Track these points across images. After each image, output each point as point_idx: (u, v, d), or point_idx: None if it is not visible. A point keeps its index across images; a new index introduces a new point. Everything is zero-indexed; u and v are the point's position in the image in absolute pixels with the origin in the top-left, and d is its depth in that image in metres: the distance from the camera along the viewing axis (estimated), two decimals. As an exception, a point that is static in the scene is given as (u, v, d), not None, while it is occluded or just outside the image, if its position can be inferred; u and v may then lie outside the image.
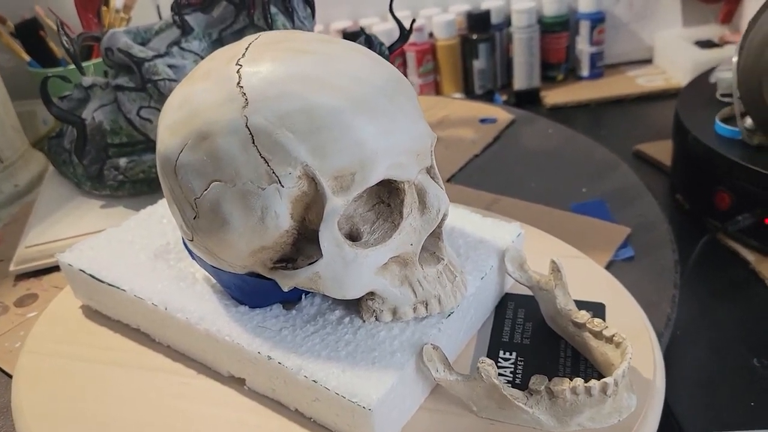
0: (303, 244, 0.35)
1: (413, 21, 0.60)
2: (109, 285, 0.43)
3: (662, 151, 0.82)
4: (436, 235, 0.37)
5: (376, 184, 0.34)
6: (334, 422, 0.34)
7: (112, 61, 0.60)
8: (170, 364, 0.41)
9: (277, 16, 0.57)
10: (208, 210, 0.34)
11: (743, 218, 0.59)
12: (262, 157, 0.32)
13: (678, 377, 0.38)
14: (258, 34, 0.36)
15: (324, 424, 0.35)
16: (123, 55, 0.57)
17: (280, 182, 0.32)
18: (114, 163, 0.61)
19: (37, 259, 0.59)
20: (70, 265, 0.45)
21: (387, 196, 0.35)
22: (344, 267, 0.34)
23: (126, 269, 0.44)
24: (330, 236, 0.33)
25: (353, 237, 0.35)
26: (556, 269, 0.40)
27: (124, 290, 0.42)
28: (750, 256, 0.60)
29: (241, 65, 0.33)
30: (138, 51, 0.58)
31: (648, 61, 1.17)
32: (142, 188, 0.63)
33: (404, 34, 0.61)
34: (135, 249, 0.46)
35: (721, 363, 0.50)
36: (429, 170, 0.37)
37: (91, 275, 0.43)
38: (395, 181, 0.34)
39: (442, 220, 0.37)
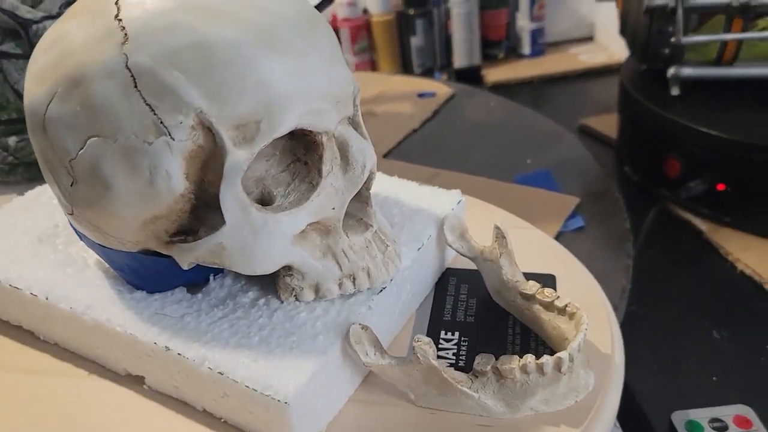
0: (204, 212, 0.29)
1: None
2: (-21, 275, 0.36)
3: (608, 124, 0.79)
4: (363, 199, 0.32)
5: (291, 139, 0.30)
6: (247, 421, 0.29)
7: (-3, 25, 0.53)
8: (57, 364, 0.35)
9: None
10: (86, 173, 0.28)
11: (695, 184, 0.56)
12: (147, 104, 0.27)
13: (637, 355, 0.35)
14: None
15: (236, 424, 0.30)
16: (7, 17, 0.50)
17: (170, 134, 0.27)
18: (2, 142, 0.53)
19: None
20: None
21: (303, 153, 0.30)
22: (252, 235, 0.28)
23: (2, 256, 0.37)
24: (233, 198, 0.28)
25: (265, 202, 0.30)
26: (500, 236, 0.36)
27: (-3, 280, 0.35)
28: (702, 225, 0.58)
29: (119, -6, 0.27)
30: (25, 11, 0.50)
31: (590, 39, 1.16)
32: (38, 172, 0.56)
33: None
34: (16, 233, 0.39)
35: (681, 337, 0.48)
36: (351, 120, 0.31)
37: (-44, 264, 0.37)
38: (311, 132, 0.29)
39: (369, 179, 0.32)
